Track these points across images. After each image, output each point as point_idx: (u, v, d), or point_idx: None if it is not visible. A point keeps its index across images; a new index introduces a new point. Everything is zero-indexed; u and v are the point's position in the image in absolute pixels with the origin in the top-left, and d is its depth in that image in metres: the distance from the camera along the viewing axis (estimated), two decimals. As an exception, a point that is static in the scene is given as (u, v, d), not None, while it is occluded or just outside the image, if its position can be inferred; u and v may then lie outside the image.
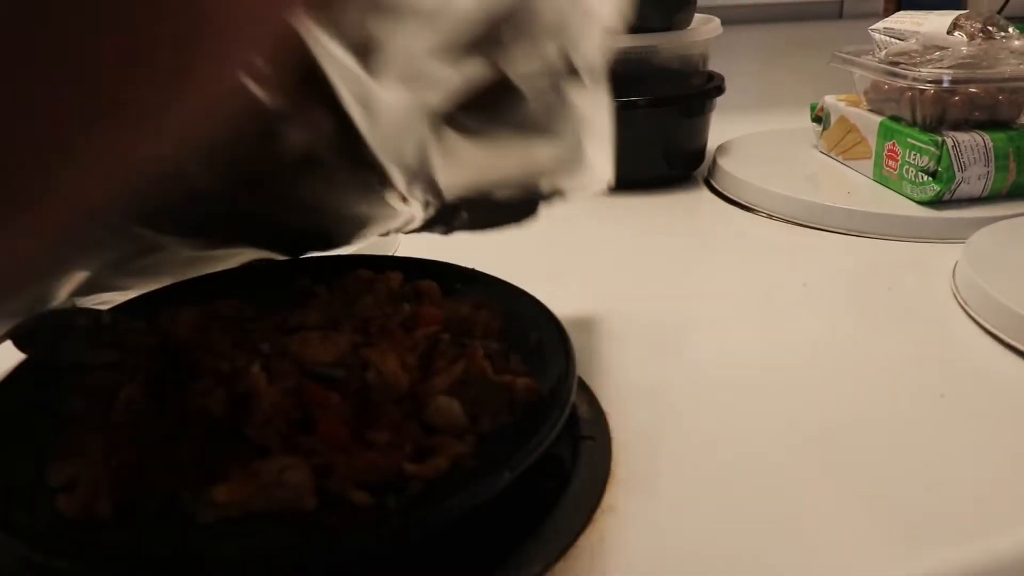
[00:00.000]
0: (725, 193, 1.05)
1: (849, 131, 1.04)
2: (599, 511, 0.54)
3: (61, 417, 0.57)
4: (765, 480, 0.57)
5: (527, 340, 0.62)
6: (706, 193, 1.07)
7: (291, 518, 0.48)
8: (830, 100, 1.08)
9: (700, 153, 1.10)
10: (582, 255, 0.92)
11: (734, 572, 0.50)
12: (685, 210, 1.04)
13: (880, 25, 1.00)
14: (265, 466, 0.48)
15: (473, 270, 0.70)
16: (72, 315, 0.66)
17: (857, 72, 1.02)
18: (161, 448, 0.50)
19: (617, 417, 0.62)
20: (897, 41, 0.97)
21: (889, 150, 0.97)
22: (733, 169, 1.04)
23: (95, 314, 0.66)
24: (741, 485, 0.56)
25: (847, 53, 1.04)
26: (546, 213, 1.08)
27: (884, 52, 0.98)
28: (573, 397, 0.55)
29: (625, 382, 0.67)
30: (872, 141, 0.99)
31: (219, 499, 0.48)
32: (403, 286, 0.68)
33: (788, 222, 0.97)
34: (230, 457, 0.49)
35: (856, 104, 1.04)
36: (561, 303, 0.75)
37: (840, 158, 1.06)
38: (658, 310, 0.80)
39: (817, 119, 1.12)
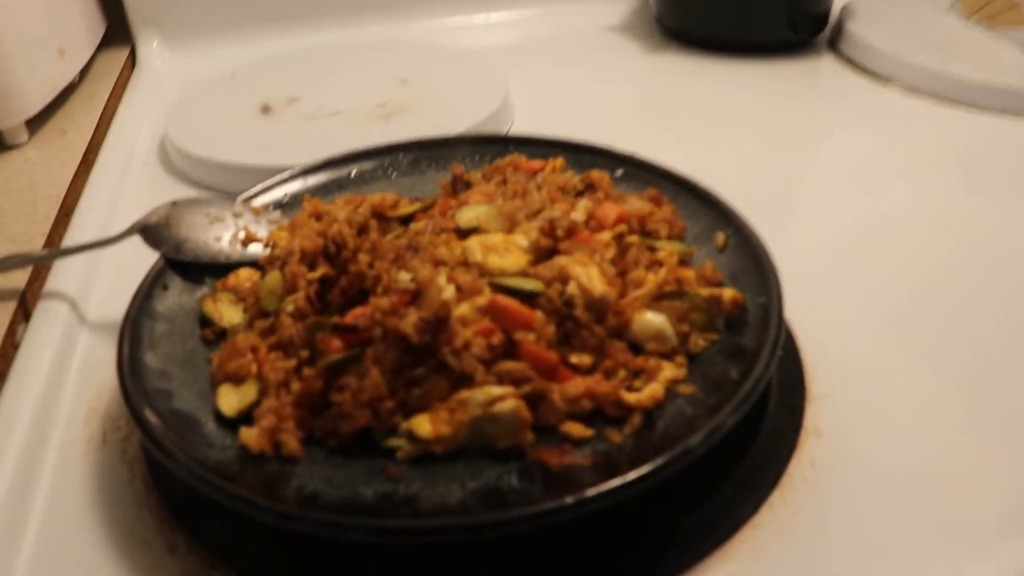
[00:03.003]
0: (854, 61, 0.93)
1: (997, -8, 0.91)
2: (803, 434, 0.48)
3: (215, 329, 0.50)
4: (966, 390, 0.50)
5: (710, 238, 0.54)
6: (830, 61, 0.95)
7: (503, 454, 0.41)
8: (974, -44, 0.94)
9: (825, 16, 0.97)
10: (698, 126, 0.82)
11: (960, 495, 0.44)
12: (810, 79, 0.93)
13: None
14: (472, 397, 0.41)
15: (631, 155, 0.61)
16: (203, 206, 0.58)
17: (1014, -76, 0.89)
18: (347, 373, 0.43)
19: (799, 321, 0.55)
20: None
21: (1049, 15, 0.85)
22: (864, 35, 0.92)
23: (228, 205, 0.58)
24: (948, 400, 0.50)
25: (1004, -99, 0.90)
26: (656, 78, 0.98)
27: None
28: (784, 312, 0.47)
29: (792, 279, 0.59)
30: (1026, 4, 0.87)
31: (422, 433, 0.41)
32: (566, 172, 0.59)
33: (928, 96, 0.86)
34: (427, 385, 0.42)
35: (1008, -39, 0.91)
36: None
37: (985, 24, 0.94)
38: (792, 191, 0.72)
39: (955, -22, 0.99)
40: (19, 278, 0.58)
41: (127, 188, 0.73)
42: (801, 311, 0.54)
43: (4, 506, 0.44)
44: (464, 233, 0.51)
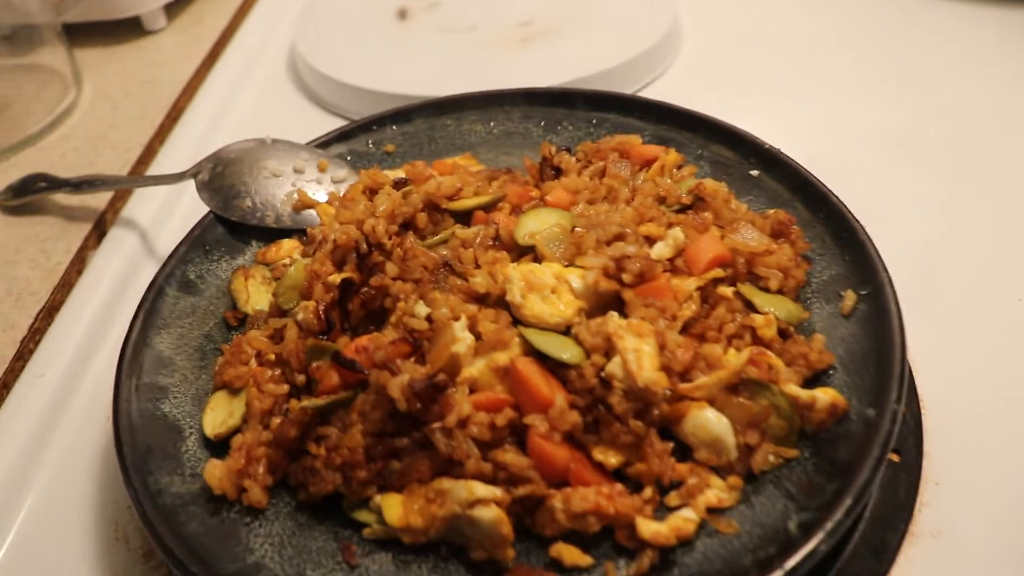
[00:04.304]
0: None
1: None
2: None
3: (238, 314, 0.45)
4: None
5: (838, 295, 0.41)
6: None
7: (476, 567, 0.34)
8: None
9: None
10: (923, 81, 0.63)
11: None
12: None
13: None
14: (453, 490, 0.33)
15: (776, 152, 0.47)
16: (282, 152, 0.50)
17: None
18: (332, 420, 0.36)
19: (936, 414, 0.41)
20: None
21: None
22: None
23: (291, 154, 0.51)
24: None
25: None
26: (880, 12, 0.75)
27: None
28: (896, 435, 0.34)
29: (958, 353, 0.44)
30: None
31: (391, 519, 0.34)
32: (681, 171, 0.47)
33: None
34: (408, 460, 0.35)
35: None
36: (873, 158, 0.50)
37: None
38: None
39: None
40: (102, 197, 0.55)
41: (241, 97, 0.67)
42: (955, 390, 0.41)
43: (13, 470, 0.43)
44: (520, 250, 0.41)
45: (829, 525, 0.31)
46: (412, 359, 0.35)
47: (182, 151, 0.60)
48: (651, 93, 0.64)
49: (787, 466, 0.35)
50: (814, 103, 0.61)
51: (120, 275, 0.51)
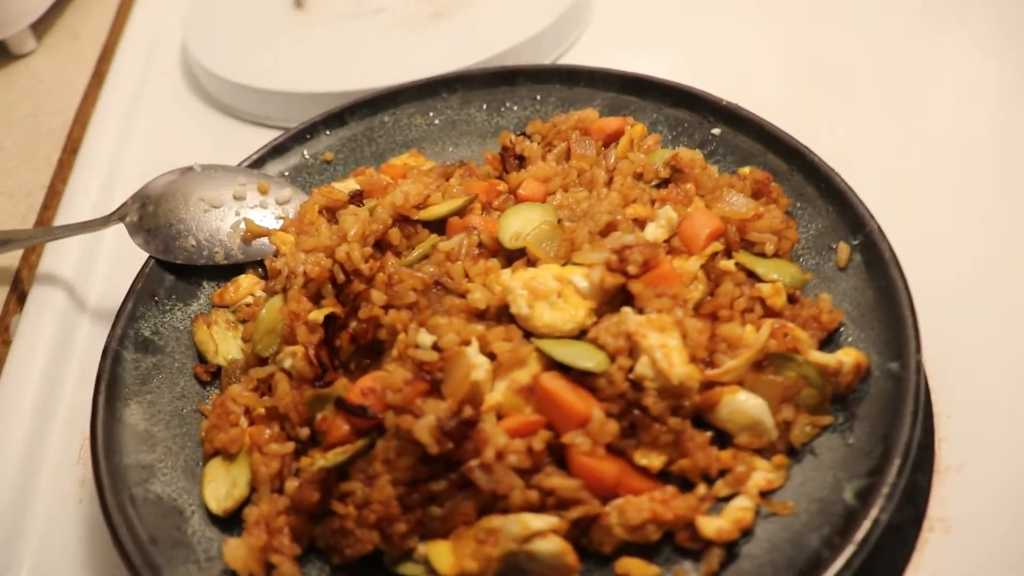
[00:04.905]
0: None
1: None
2: (925, 529, 0.36)
3: (209, 368, 0.40)
4: None
5: (830, 247, 0.40)
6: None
7: (543, 597, 0.32)
8: None
9: None
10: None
11: None
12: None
13: None
14: (505, 527, 0.31)
15: (736, 107, 0.45)
16: (212, 179, 0.45)
17: None
18: (353, 474, 0.33)
19: (933, 344, 0.40)
20: None
21: None
22: None
23: (244, 179, 0.46)
24: None
25: None
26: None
27: None
28: (923, 385, 0.34)
29: (941, 276, 0.43)
30: None
31: (442, 568, 0.31)
32: (646, 141, 0.45)
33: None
34: (449, 505, 0.32)
35: None
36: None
37: None
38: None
39: None
40: (11, 257, 0.49)
41: (141, 117, 0.60)
42: (946, 316, 0.40)
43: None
44: (507, 253, 0.38)
45: (885, 489, 0.31)
46: (430, 395, 0.33)
47: (90, 187, 0.54)
48: (573, 58, 0.62)
49: (824, 434, 0.34)
50: (732, 42, 0.59)
51: (55, 338, 0.46)
